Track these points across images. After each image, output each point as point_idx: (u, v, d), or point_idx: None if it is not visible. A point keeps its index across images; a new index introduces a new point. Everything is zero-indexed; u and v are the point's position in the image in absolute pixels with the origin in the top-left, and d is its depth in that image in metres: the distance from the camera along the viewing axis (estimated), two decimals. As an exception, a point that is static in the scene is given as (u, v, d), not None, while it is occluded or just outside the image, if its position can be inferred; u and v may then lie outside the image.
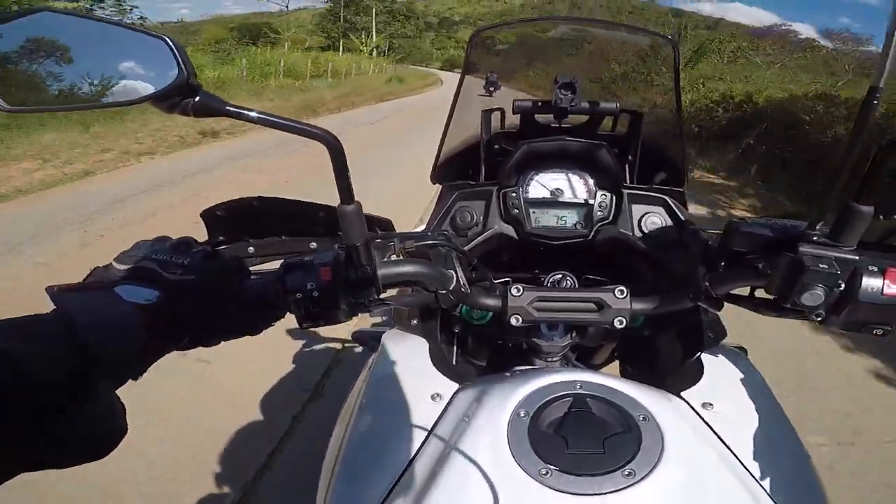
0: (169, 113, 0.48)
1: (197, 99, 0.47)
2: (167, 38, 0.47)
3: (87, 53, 0.50)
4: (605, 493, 0.50)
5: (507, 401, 0.60)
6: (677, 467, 0.53)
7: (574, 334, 0.88)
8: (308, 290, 0.57)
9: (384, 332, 0.97)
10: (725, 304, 0.69)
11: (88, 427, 0.40)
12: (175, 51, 0.46)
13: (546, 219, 0.97)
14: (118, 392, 0.45)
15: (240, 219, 0.77)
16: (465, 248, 0.94)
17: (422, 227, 1.00)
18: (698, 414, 0.66)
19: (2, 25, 0.48)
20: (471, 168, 1.13)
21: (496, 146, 1.15)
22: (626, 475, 0.51)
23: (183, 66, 0.46)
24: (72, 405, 0.38)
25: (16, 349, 0.37)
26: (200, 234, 0.71)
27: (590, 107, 1.06)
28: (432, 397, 0.69)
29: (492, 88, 1.53)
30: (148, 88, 0.47)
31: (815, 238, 0.54)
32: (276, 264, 0.61)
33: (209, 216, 0.76)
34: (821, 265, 0.52)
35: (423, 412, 0.67)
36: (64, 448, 0.39)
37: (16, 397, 0.35)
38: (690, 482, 0.53)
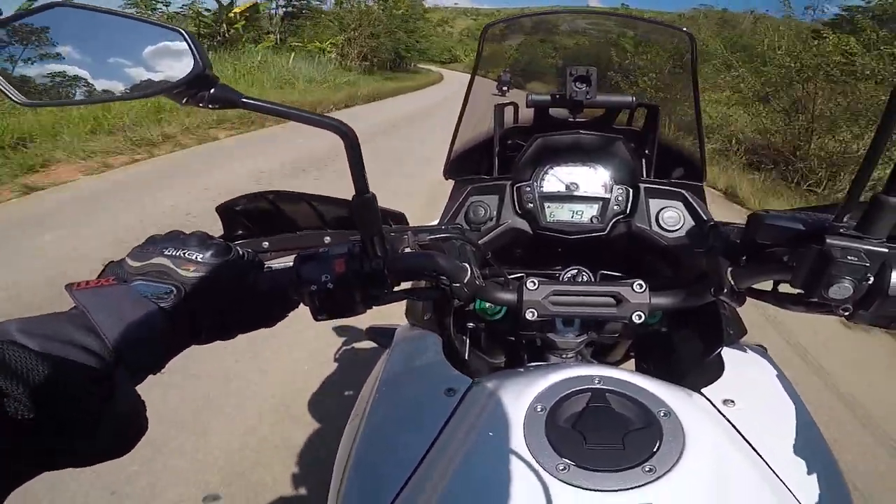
0: (185, 105, 0.48)
1: (213, 91, 0.47)
2: (183, 31, 0.47)
3: (103, 47, 0.50)
4: (625, 490, 0.49)
5: (524, 395, 0.60)
6: (699, 463, 0.52)
7: (590, 330, 0.87)
8: (323, 283, 0.57)
9: (398, 328, 0.96)
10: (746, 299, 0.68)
11: (111, 425, 0.40)
12: (191, 43, 0.46)
13: (561, 213, 0.96)
14: (138, 389, 0.45)
15: (255, 213, 0.77)
16: (479, 242, 0.93)
17: (435, 222, 0.99)
18: (719, 410, 0.64)
19: (19, 21, 0.49)
20: (483, 163, 1.12)
21: (509, 141, 1.14)
22: (647, 471, 0.50)
23: (199, 58, 0.46)
24: (96, 404, 0.39)
25: (41, 349, 0.38)
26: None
27: (605, 100, 1.05)
28: (446, 392, 0.68)
29: (505, 88, 1.52)
30: (164, 80, 0.48)
31: (842, 230, 0.52)
32: (290, 258, 0.61)
33: (225, 210, 0.76)
34: (849, 257, 0.50)
35: (436, 407, 0.67)
36: (87, 446, 0.39)
37: (42, 396, 0.35)
38: (712, 479, 0.52)
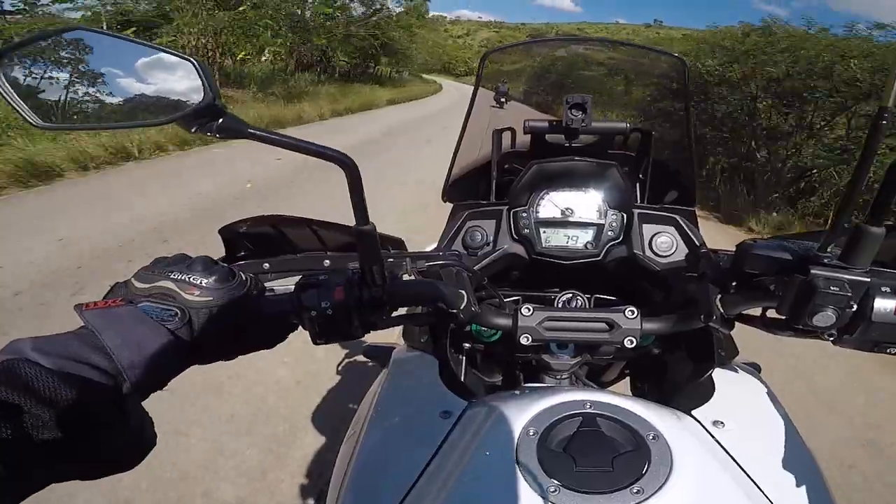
0: (193, 133, 0.50)
1: (221, 121, 0.49)
2: (194, 61, 0.49)
3: (118, 73, 0.51)
4: None
5: (517, 419, 0.61)
6: (686, 486, 0.53)
7: (584, 353, 0.89)
8: (322, 309, 0.58)
9: (394, 349, 0.97)
10: (737, 323, 0.70)
11: (120, 440, 0.42)
12: (202, 73, 0.48)
13: (556, 238, 0.97)
14: (145, 405, 0.47)
15: (257, 236, 0.79)
16: (476, 267, 0.95)
17: (433, 247, 1.01)
18: (709, 432, 0.65)
19: (37, 42, 0.50)
20: (481, 187, 1.14)
21: (507, 165, 1.16)
22: (635, 493, 0.51)
23: (209, 88, 0.47)
24: (105, 420, 0.40)
25: (55, 366, 0.39)
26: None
27: (600, 126, 1.07)
28: (441, 414, 0.69)
29: (503, 100, 1.55)
30: (175, 109, 0.49)
31: (826, 260, 0.54)
32: (291, 281, 0.62)
33: (228, 233, 0.77)
34: (832, 287, 0.52)
35: (432, 429, 0.67)
36: (96, 461, 0.40)
37: (56, 412, 0.37)
38: (700, 499, 0.53)
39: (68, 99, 0.51)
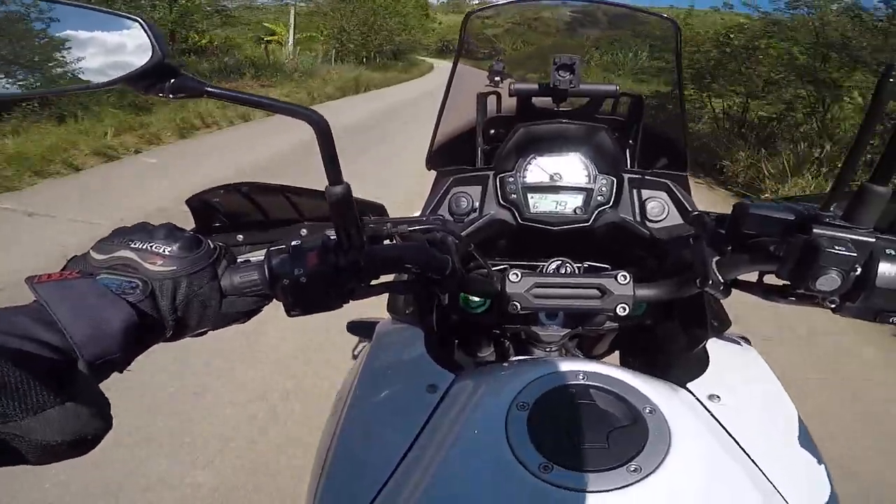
0: (145, 94, 0.46)
1: (174, 80, 0.45)
2: (141, 19, 0.45)
3: (59, 37, 0.47)
4: (610, 490, 0.48)
5: (505, 392, 0.58)
6: (685, 462, 0.51)
7: (574, 323, 0.87)
8: (295, 277, 0.55)
9: (379, 322, 0.95)
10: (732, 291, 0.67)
11: (71, 423, 0.39)
12: (149, 31, 0.45)
13: (545, 204, 0.95)
14: (103, 386, 0.44)
15: (229, 206, 0.75)
16: (462, 233, 0.92)
17: (417, 214, 0.98)
18: (705, 406, 0.64)
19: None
20: (466, 153, 1.11)
21: (492, 131, 1.12)
22: (632, 471, 0.49)
23: (158, 47, 0.44)
24: (53, 400, 0.37)
25: None
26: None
27: (589, 88, 1.03)
28: (428, 388, 0.67)
29: (498, 78, 1.50)
30: (123, 70, 0.46)
31: (828, 220, 0.52)
32: (264, 252, 0.59)
33: (196, 203, 0.74)
34: (836, 247, 0.49)
35: (418, 404, 0.65)
36: (45, 444, 0.37)
37: None
38: (698, 478, 0.51)
39: (5, 67, 0.47)
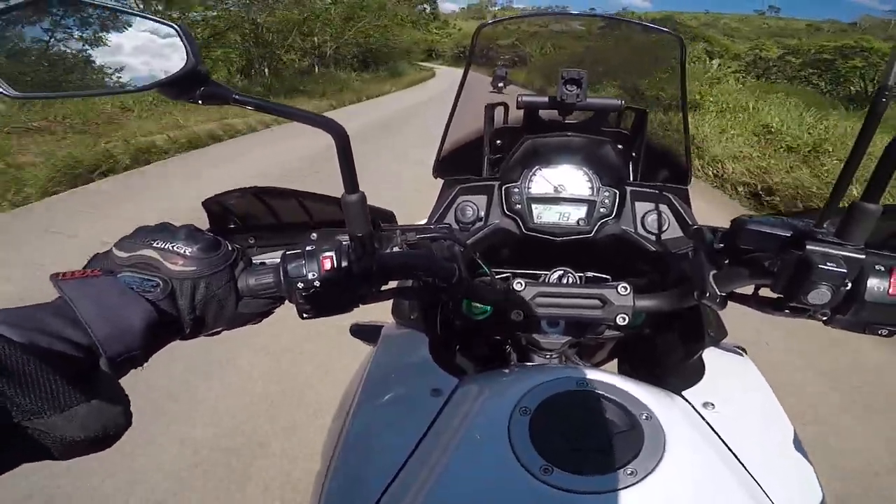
0: (176, 100, 0.48)
1: (203, 88, 0.47)
2: (177, 26, 0.47)
3: (95, 40, 0.49)
4: (607, 492, 0.50)
5: (509, 397, 0.60)
6: (679, 467, 0.53)
7: (574, 332, 0.88)
8: (309, 280, 0.57)
9: (383, 326, 0.97)
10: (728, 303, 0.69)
11: (94, 420, 0.39)
12: (184, 38, 0.46)
13: (548, 215, 0.97)
14: (122, 382, 0.45)
15: (243, 208, 0.77)
16: (467, 241, 0.94)
17: (423, 221, 1.00)
18: (699, 414, 0.66)
19: (12, 12, 0.48)
20: (473, 163, 1.13)
21: (499, 141, 1.14)
22: (629, 474, 0.51)
23: (192, 54, 0.46)
24: (79, 398, 0.38)
25: (24, 340, 0.37)
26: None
27: (595, 102, 1.06)
28: (432, 392, 0.69)
29: (501, 84, 1.52)
30: (157, 75, 0.47)
31: (821, 236, 0.54)
32: (277, 254, 0.61)
33: (211, 205, 0.76)
34: (828, 264, 0.51)
35: (422, 407, 0.67)
36: (70, 440, 0.38)
37: (23, 387, 0.35)
38: (691, 482, 0.53)
39: (45, 68, 0.49)
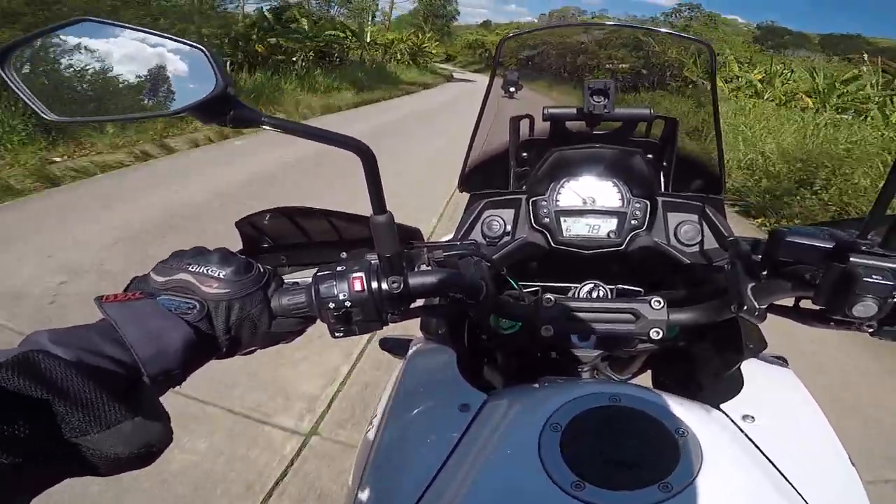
0: (207, 123, 0.49)
1: (234, 111, 0.47)
2: (205, 49, 0.47)
3: (128, 63, 0.50)
4: None
5: (539, 412, 0.59)
6: (717, 481, 0.51)
7: (606, 345, 0.86)
8: (340, 301, 0.57)
9: (411, 340, 0.96)
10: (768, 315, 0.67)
11: (138, 437, 0.41)
12: (212, 61, 0.47)
13: (578, 227, 0.95)
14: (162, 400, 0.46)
15: (273, 229, 0.78)
16: (494, 257, 0.93)
17: (450, 237, 0.99)
18: (739, 427, 0.63)
19: (45, 36, 0.50)
20: (499, 176, 1.12)
21: (525, 154, 1.13)
22: (664, 489, 0.50)
23: (221, 77, 0.46)
24: (124, 415, 0.40)
25: (73, 358, 0.39)
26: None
27: (623, 113, 1.04)
28: (460, 408, 0.68)
29: (512, 89, 1.51)
30: (187, 99, 0.48)
31: (865, 248, 0.51)
32: (309, 273, 0.61)
33: (244, 225, 0.77)
34: (874, 276, 0.49)
35: (451, 422, 0.66)
36: (115, 456, 0.39)
37: (72, 404, 0.37)
38: (730, 496, 0.51)
39: (80, 92, 0.50)
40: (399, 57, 28.91)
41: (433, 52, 29.50)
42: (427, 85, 25.29)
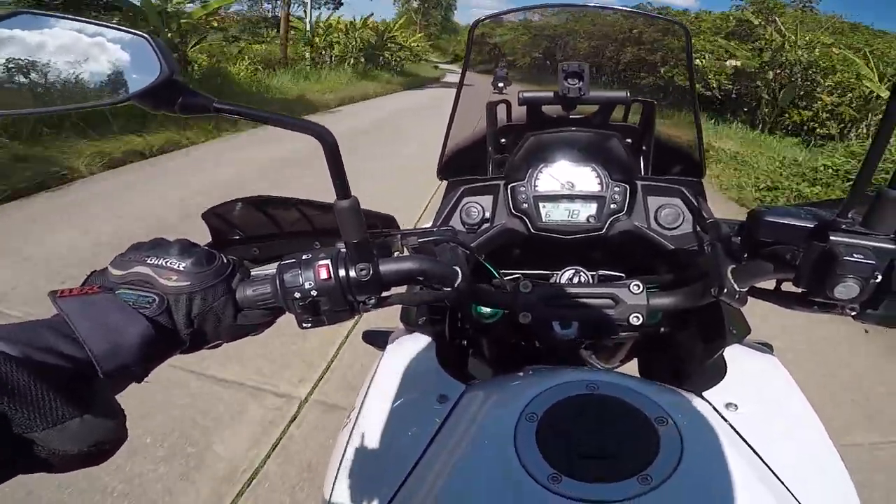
0: (155, 111, 0.47)
1: (182, 97, 0.45)
2: (148, 36, 0.46)
3: (67, 54, 0.48)
4: (620, 501, 0.47)
5: (515, 402, 0.58)
6: (697, 472, 0.50)
7: (588, 332, 0.85)
8: (306, 290, 0.55)
9: (393, 332, 0.95)
10: (749, 299, 0.66)
11: (88, 434, 0.40)
12: (156, 48, 0.45)
13: (557, 213, 0.94)
14: (119, 398, 0.45)
15: (243, 219, 0.76)
16: (473, 244, 0.91)
17: (428, 224, 0.97)
18: (721, 415, 0.62)
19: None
20: (477, 163, 1.10)
21: (503, 140, 1.12)
22: (643, 481, 0.48)
23: (165, 64, 0.44)
24: (72, 412, 0.39)
25: (21, 354, 0.38)
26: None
27: (599, 96, 1.02)
28: (439, 399, 0.67)
29: (501, 84, 1.49)
30: (131, 87, 0.46)
31: (846, 226, 0.50)
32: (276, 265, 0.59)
33: (211, 217, 0.75)
34: (855, 255, 0.48)
35: (429, 414, 0.65)
36: (61, 453, 0.39)
37: (18, 401, 0.36)
38: (712, 488, 0.50)
39: (16, 85, 0.47)
40: (338, 54, 17.31)
41: (410, 46, 24.61)
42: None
